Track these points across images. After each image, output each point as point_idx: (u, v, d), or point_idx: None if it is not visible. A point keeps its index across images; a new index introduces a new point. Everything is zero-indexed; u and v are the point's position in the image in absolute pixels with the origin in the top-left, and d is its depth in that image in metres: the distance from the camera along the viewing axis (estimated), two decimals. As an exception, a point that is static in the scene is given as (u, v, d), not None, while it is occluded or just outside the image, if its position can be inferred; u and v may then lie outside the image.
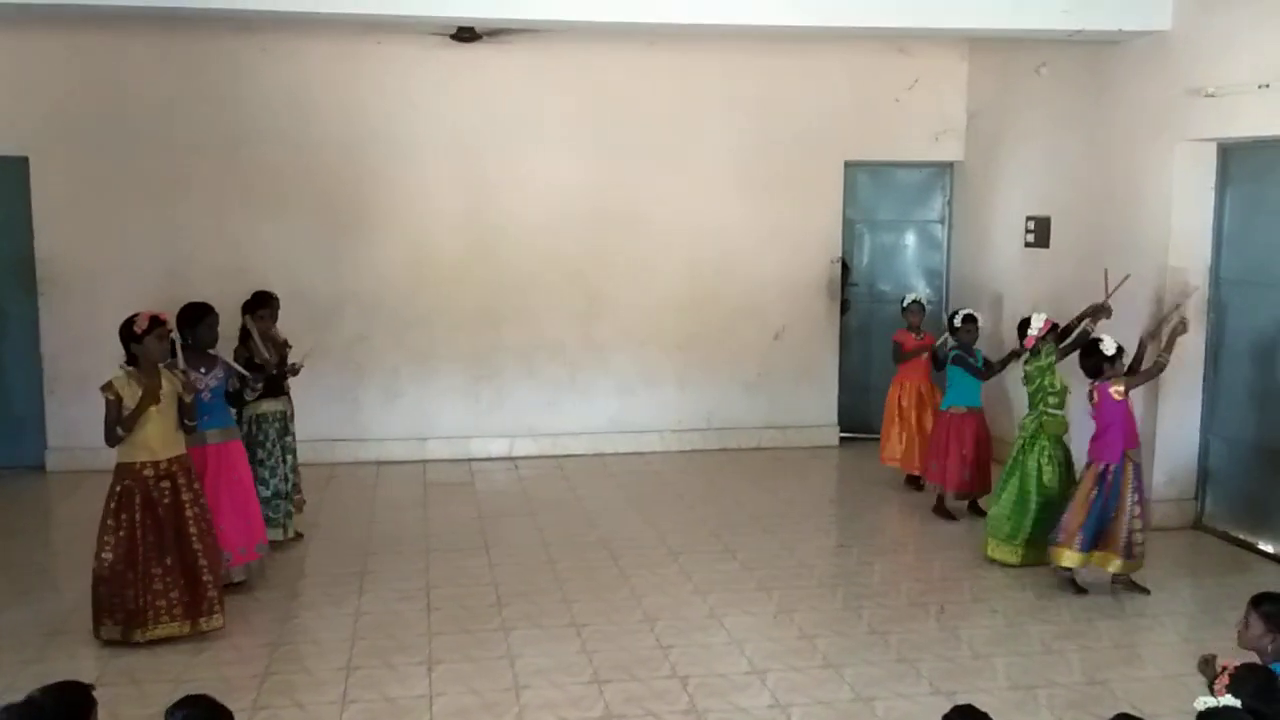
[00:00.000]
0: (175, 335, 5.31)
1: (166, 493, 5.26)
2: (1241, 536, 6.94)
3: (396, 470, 8.76)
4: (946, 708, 3.09)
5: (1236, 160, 6.93)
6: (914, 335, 8.04)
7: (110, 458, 5.41)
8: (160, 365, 5.25)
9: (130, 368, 5.25)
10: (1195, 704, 2.83)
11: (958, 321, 7.38)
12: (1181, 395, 7.15)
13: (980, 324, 7.48)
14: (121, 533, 5.21)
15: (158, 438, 5.26)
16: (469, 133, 8.91)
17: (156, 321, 5.19)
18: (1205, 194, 7.04)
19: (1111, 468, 5.95)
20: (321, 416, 8.72)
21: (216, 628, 5.36)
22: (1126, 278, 6.57)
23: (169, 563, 5.23)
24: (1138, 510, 5.97)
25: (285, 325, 7.74)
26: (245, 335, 6.50)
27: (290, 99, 8.64)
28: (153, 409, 5.20)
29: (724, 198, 9.31)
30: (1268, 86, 6.22)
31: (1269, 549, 6.73)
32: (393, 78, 8.76)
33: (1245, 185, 6.91)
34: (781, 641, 5.43)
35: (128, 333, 5.22)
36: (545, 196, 9.04)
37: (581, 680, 4.96)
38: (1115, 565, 5.99)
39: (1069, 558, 6.01)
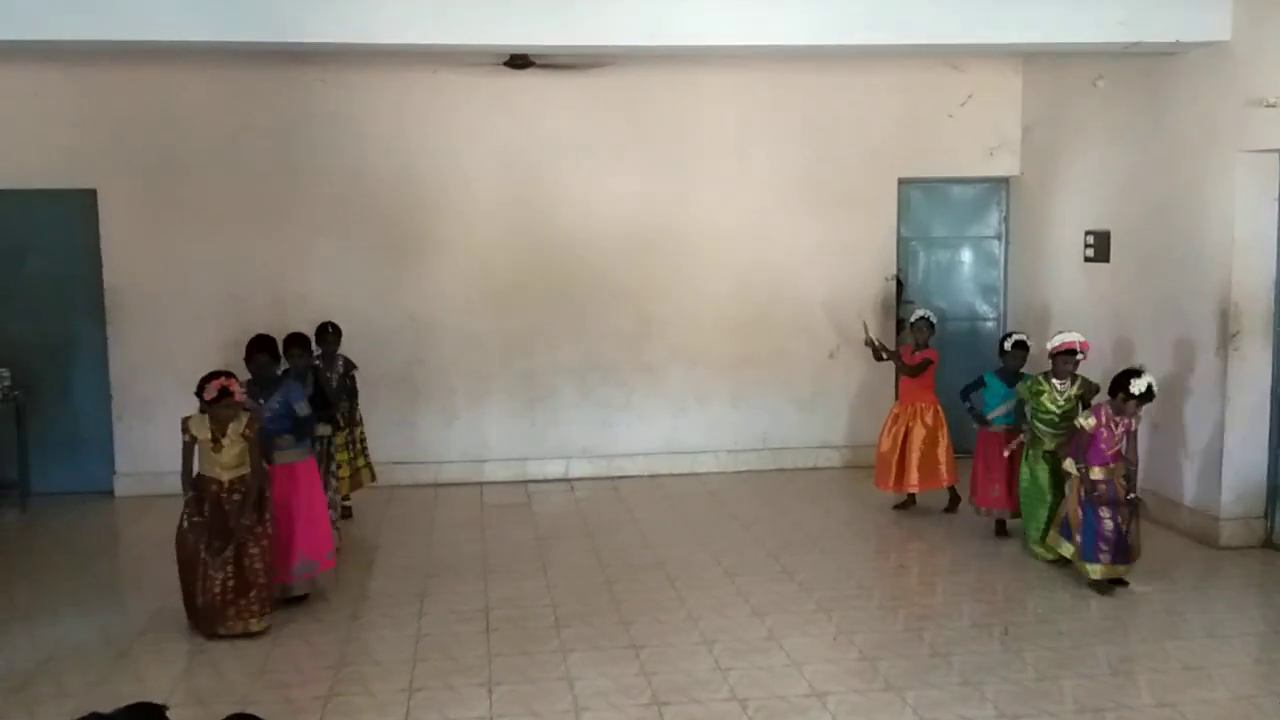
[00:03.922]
0: (243, 396, 5.91)
1: (235, 504, 5.81)
2: (1314, 555, 6.78)
3: (454, 492, 8.83)
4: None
5: (1301, 171, 6.80)
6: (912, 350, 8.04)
7: (177, 483, 5.79)
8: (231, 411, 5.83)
9: (203, 415, 5.83)
10: None
11: (1007, 346, 7.41)
12: (1249, 412, 7.01)
13: (1030, 349, 7.44)
14: (190, 535, 5.79)
15: (219, 466, 5.83)
16: (522, 158, 9.01)
17: (225, 392, 5.71)
18: (1268, 205, 6.91)
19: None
20: (380, 439, 8.83)
21: (259, 630, 5.78)
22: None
23: (218, 562, 5.71)
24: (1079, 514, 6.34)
25: (346, 349, 7.96)
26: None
27: (347, 128, 8.80)
28: (210, 446, 5.81)
29: (776, 217, 9.30)
30: (1332, 95, 6.11)
31: (1343, 568, 6.56)
32: (447, 105, 8.89)
33: (1310, 196, 6.78)
34: (842, 663, 5.39)
35: (199, 395, 5.75)
36: (597, 219, 9.10)
37: (641, 702, 4.96)
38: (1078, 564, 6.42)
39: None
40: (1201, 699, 4.94)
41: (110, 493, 8.72)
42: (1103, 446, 6.28)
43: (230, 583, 5.70)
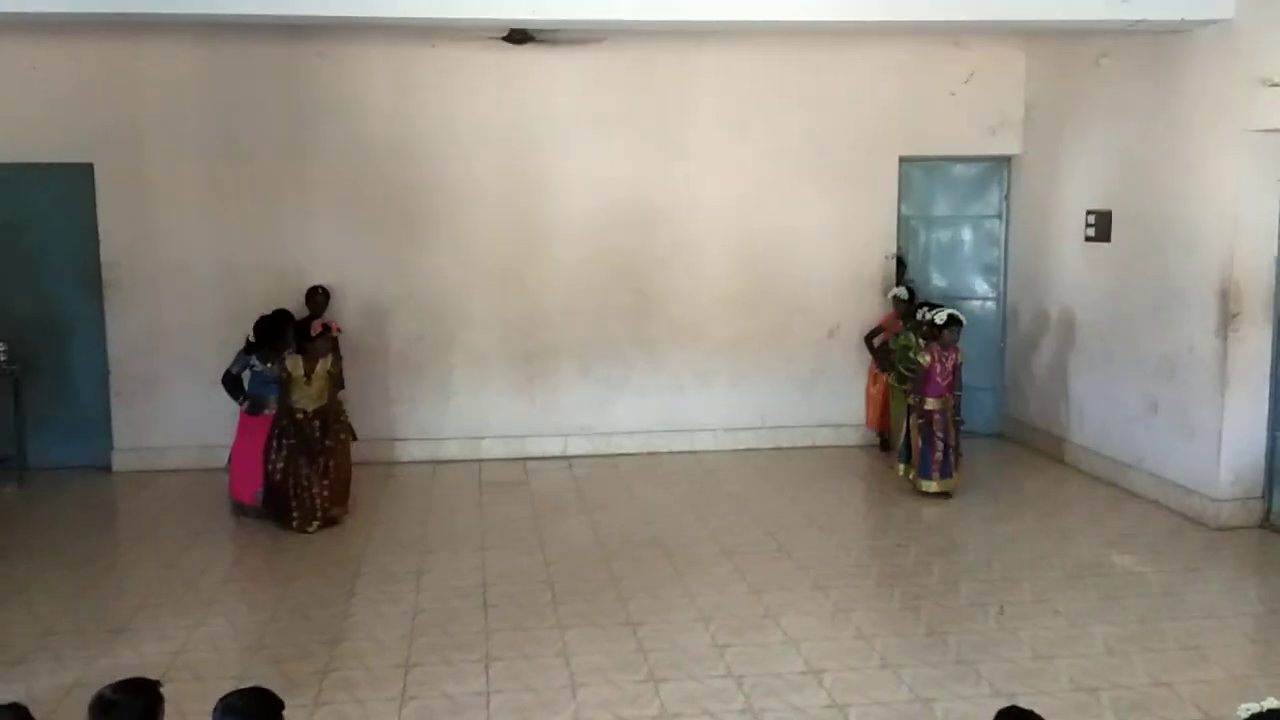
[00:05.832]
0: (339, 330, 7.38)
1: (317, 428, 7.18)
2: (1311, 536, 6.78)
3: (453, 469, 8.84)
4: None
5: (1304, 150, 6.77)
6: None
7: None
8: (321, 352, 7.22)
9: (298, 355, 7.15)
10: (1238, 711, 2.76)
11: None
12: (1248, 392, 7.00)
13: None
14: (284, 453, 7.11)
15: (307, 398, 7.17)
16: (522, 133, 8.96)
17: (326, 329, 7.16)
18: (1270, 185, 6.88)
19: None
20: (379, 416, 8.84)
21: (340, 515, 7.31)
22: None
23: (316, 473, 7.13)
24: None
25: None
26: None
27: (346, 103, 8.75)
28: (304, 381, 7.14)
29: (776, 195, 9.27)
30: (1336, 74, 6.07)
31: (1340, 549, 6.57)
32: (446, 80, 8.84)
33: (1313, 176, 6.74)
34: (838, 641, 5.40)
35: (304, 333, 7.14)
36: (597, 196, 9.06)
37: (637, 678, 4.97)
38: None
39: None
40: (1197, 679, 4.96)
41: (108, 468, 8.72)
42: (938, 379, 7.65)
43: (314, 487, 7.09)
